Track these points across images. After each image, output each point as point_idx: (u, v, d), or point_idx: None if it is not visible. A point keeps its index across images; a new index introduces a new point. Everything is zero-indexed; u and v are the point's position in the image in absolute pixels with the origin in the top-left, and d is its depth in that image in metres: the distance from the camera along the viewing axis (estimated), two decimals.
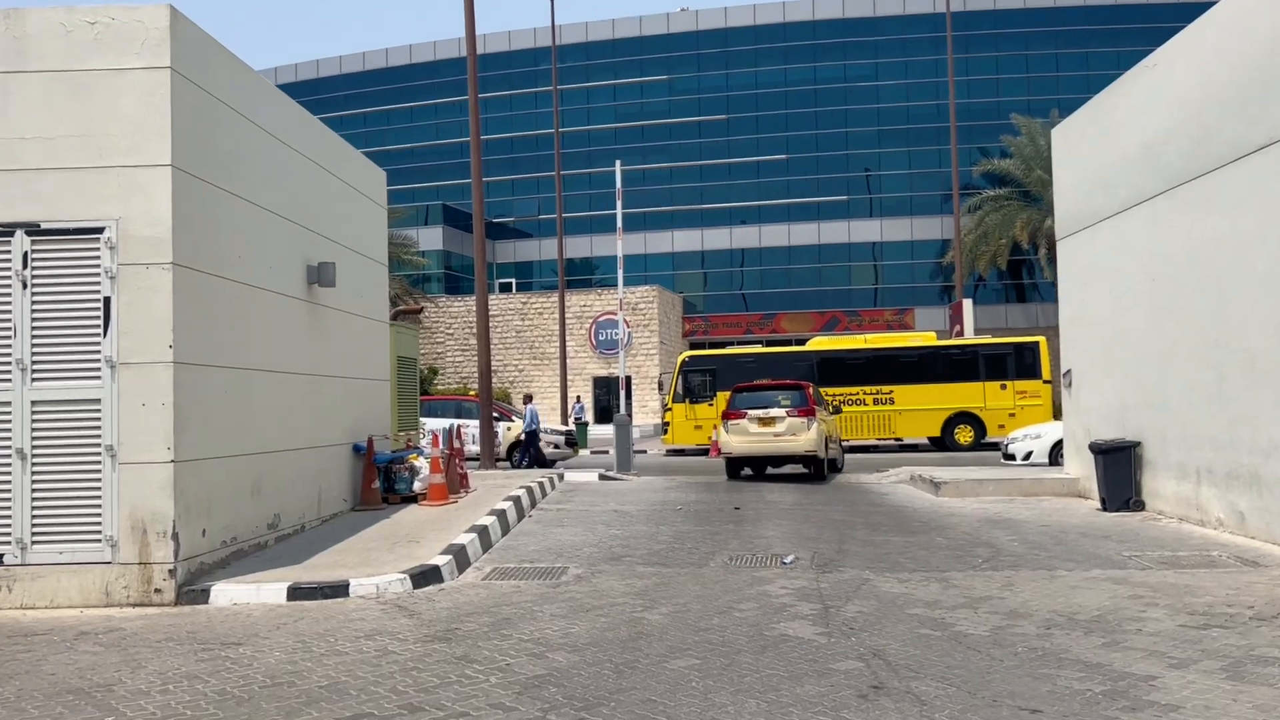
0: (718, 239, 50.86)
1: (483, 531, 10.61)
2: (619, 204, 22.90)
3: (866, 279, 50.07)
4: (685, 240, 50.98)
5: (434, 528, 11.05)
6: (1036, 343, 28.89)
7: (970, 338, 30.99)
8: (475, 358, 43.91)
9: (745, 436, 17.79)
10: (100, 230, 8.07)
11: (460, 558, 9.38)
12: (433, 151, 54.07)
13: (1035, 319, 45.69)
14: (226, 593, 8.06)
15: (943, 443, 28.64)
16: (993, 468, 18.36)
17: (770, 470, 19.20)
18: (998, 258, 42.92)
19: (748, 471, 19.05)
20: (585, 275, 51.28)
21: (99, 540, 7.97)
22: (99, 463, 7.99)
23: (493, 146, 53.07)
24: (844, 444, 23.26)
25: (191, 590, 8.06)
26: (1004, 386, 28.54)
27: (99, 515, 7.98)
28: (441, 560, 9.00)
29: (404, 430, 16.09)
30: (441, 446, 13.06)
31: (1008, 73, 48.19)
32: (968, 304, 32.31)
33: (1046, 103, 45.44)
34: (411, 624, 7.23)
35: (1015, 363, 28.78)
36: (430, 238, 48.24)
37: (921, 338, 30.00)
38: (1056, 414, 31.87)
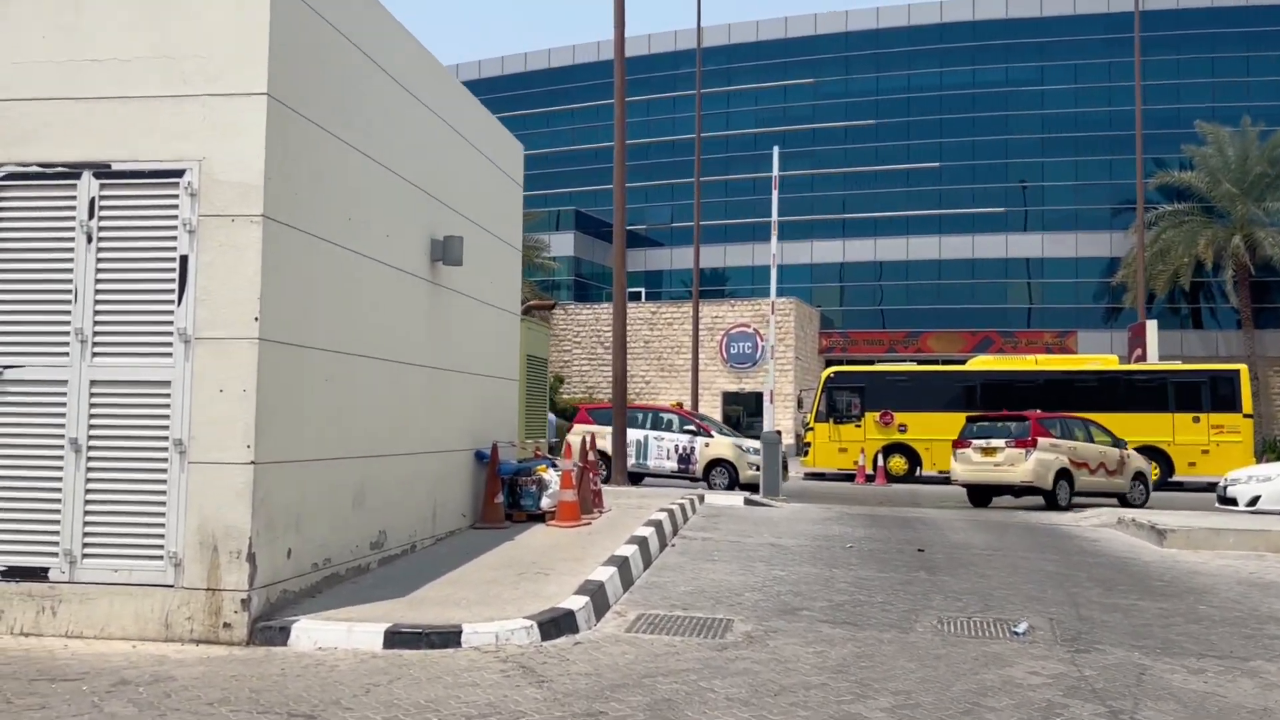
0: (860, 250, 48.10)
1: (623, 565, 8.72)
2: (775, 193, 20.88)
3: (1024, 298, 46.45)
4: (825, 251, 48.42)
5: (565, 555, 9.22)
6: (1237, 371, 25.41)
7: (1157, 363, 27.64)
8: (602, 367, 42.51)
9: (969, 465, 18.78)
10: (180, 174, 6.54)
11: (598, 598, 7.49)
12: (567, 157, 53.15)
13: (1215, 348, 41.38)
14: (310, 633, 6.36)
15: None
16: (1214, 514, 15.51)
17: (995, 500, 19.44)
18: (1178, 277, 38.96)
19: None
20: (718, 285, 49.30)
21: (160, 557, 6.40)
22: (165, 461, 6.43)
23: (628, 152, 51.79)
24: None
25: (268, 627, 6.39)
26: (1197, 419, 25.15)
27: (161, 526, 6.41)
28: (577, 603, 7.13)
29: (531, 438, 14.41)
30: (575, 459, 11.24)
31: (1189, 77, 43.97)
32: (1152, 326, 28.91)
33: (1233, 110, 41.27)
34: (540, 697, 5.36)
35: (1211, 393, 25.34)
36: (561, 243, 47.15)
37: (1102, 361, 26.81)
38: (1258, 453, 28.16)
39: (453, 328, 10.18)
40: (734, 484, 19.33)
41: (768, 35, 50.04)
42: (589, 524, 11.08)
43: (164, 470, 6.42)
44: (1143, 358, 28.74)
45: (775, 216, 22.21)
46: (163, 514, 6.41)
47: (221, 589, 6.33)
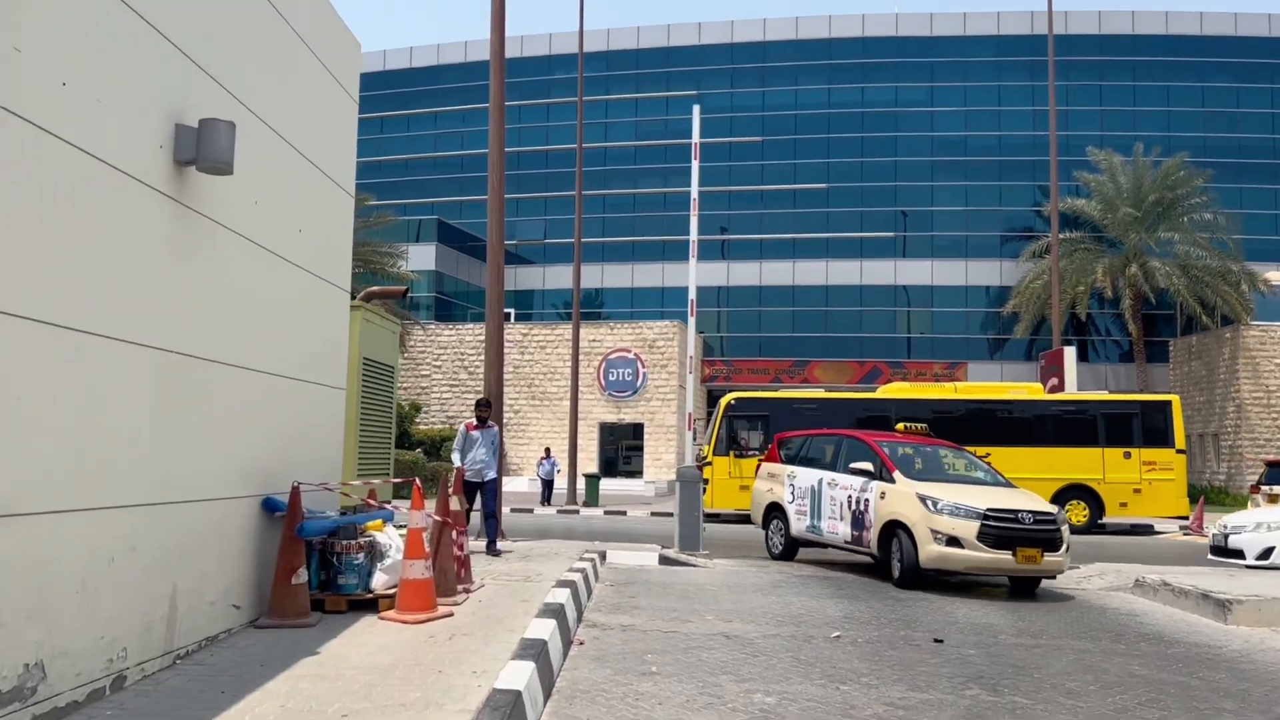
0: (745, 274, 45.25)
1: (514, 707, 4.77)
2: (694, 213, 16.95)
3: (913, 327, 44.51)
4: (707, 274, 45.32)
5: (408, 689, 5.17)
6: (1169, 402, 23.29)
7: (1082, 393, 25.40)
8: (466, 394, 38.02)
9: None
10: None
11: None
12: (429, 164, 48.62)
13: (1104, 381, 40.17)
14: None
15: None
16: (1218, 570, 12.64)
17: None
18: (1075, 306, 37.55)
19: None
20: (594, 308, 45.57)
21: None
22: None
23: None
24: None
25: None
26: (1128, 455, 22.84)
27: None
28: None
29: (371, 475, 10.21)
30: (426, 509, 7.16)
31: (1079, 104, 43.21)
32: (1069, 353, 26.75)
33: (1122, 139, 40.58)
34: None
35: (1142, 426, 23.10)
36: (422, 256, 42.49)
37: (1027, 390, 24.26)
38: (1192, 492, 26.19)
39: (220, 288, 6.02)
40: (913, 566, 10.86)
41: (649, 43, 47.04)
42: (450, 614, 7.00)
43: None
44: (1059, 388, 26.50)
45: (694, 235, 18.63)
46: None
47: None
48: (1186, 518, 22.66)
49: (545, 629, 6.48)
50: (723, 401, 24.54)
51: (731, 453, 23.81)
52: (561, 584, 8.35)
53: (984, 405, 23.50)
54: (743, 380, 41.48)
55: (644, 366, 36.75)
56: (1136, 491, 22.67)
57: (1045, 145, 41.62)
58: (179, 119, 5.44)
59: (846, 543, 12.01)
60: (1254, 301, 36.11)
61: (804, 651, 7.35)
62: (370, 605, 7.02)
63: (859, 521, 11.69)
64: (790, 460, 13.82)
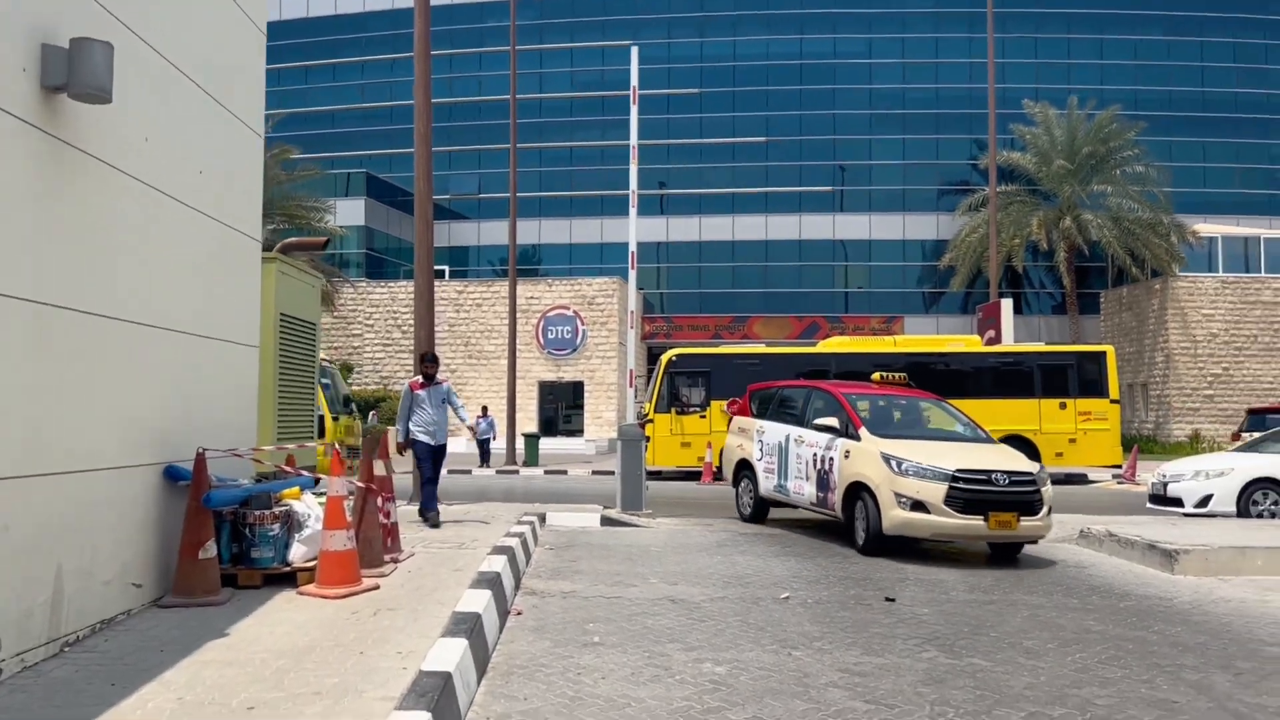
0: (684, 229, 44.74)
1: (444, 689, 4.33)
2: (634, 163, 16.07)
3: (851, 281, 44.51)
4: (646, 230, 44.72)
5: (327, 672, 4.68)
6: (1103, 354, 23.48)
7: (1019, 345, 25.54)
8: (400, 354, 37.11)
9: None
10: None
11: None
12: (356, 116, 47.03)
13: (1037, 333, 40.71)
14: None
15: None
16: (1161, 519, 12.67)
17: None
18: (1010, 259, 37.81)
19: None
20: (532, 265, 44.75)
21: None
22: None
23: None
24: None
25: None
26: (1064, 405, 23.03)
27: None
28: None
29: (289, 439, 9.61)
30: (345, 480, 6.61)
31: (1015, 57, 43.23)
32: (1006, 305, 26.83)
33: (1057, 92, 40.75)
34: None
35: (1078, 377, 23.28)
36: (350, 212, 41.17)
37: (965, 342, 24.31)
38: (1125, 442, 26.59)
39: (103, 233, 5.37)
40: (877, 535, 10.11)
41: None
42: (376, 587, 6.51)
43: None
44: (996, 340, 26.62)
45: (634, 184, 17.88)
46: None
47: None
48: (1120, 466, 22.97)
49: (479, 600, 6.03)
50: (664, 358, 24.15)
51: (673, 409, 23.50)
52: (498, 550, 7.90)
53: (922, 359, 23.47)
54: (683, 337, 41.14)
55: (583, 324, 36.20)
56: (1072, 441, 22.91)
57: (982, 98, 41.63)
58: (46, 38, 4.76)
59: (812, 504, 11.05)
60: (1183, 253, 36.69)
61: (753, 615, 7.02)
62: (288, 579, 6.49)
63: (824, 482, 10.72)
64: (761, 414, 12.73)
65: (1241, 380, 35.08)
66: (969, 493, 9.42)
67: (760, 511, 12.54)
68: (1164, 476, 14.15)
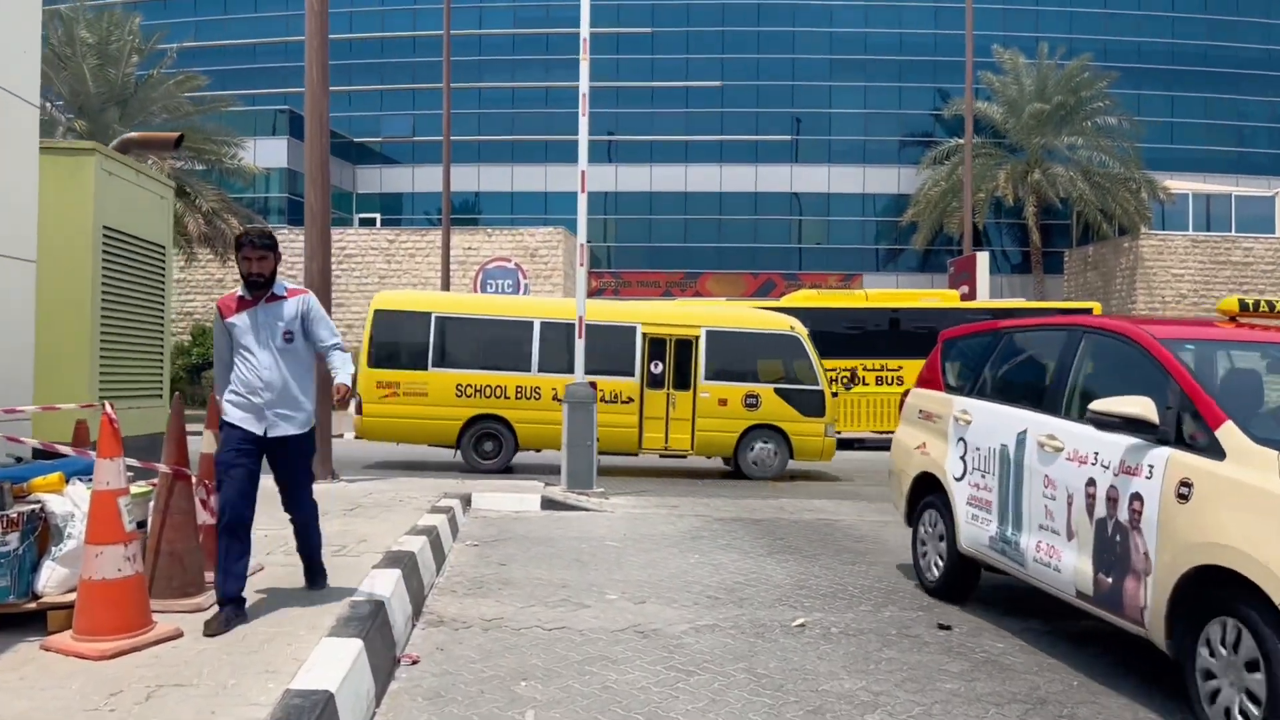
0: (634, 179, 42.14)
1: None
2: (584, 110, 12.70)
3: (809, 236, 42.44)
4: (594, 178, 42.13)
5: None
6: (1089, 310, 21.69)
7: (999, 300, 23.72)
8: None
9: None
10: None
11: None
12: (276, 50, 43.33)
13: (1000, 291, 39.08)
14: None
15: None
16: None
17: None
18: (976, 214, 35.98)
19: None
20: (471, 214, 41.88)
21: None
22: None
23: (360, 48, 43.04)
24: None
25: None
26: None
27: None
28: None
29: (117, 397, 7.14)
30: (121, 464, 4.18)
31: (982, 2, 41.17)
32: (982, 259, 25.02)
33: (1026, 40, 38.81)
34: None
35: None
36: (272, 152, 37.85)
37: (942, 297, 22.41)
38: None
39: None
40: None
41: None
42: (175, 635, 4.11)
43: None
44: (970, 295, 24.80)
45: (584, 135, 14.97)
46: None
47: None
48: None
49: (339, 658, 3.71)
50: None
51: None
52: (391, 559, 5.56)
53: (898, 315, 21.52)
54: (632, 294, 38.84)
55: (525, 277, 33.53)
56: None
57: (947, 45, 39.66)
58: None
59: (1080, 593, 4.79)
60: (1151, 211, 35.25)
61: (761, 657, 4.82)
62: (36, 621, 4.09)
63: (1109, 548, 4.57)
64: (962, 384, 6.46)
65: None
66: None
67: (957, 580, 6.19)
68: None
